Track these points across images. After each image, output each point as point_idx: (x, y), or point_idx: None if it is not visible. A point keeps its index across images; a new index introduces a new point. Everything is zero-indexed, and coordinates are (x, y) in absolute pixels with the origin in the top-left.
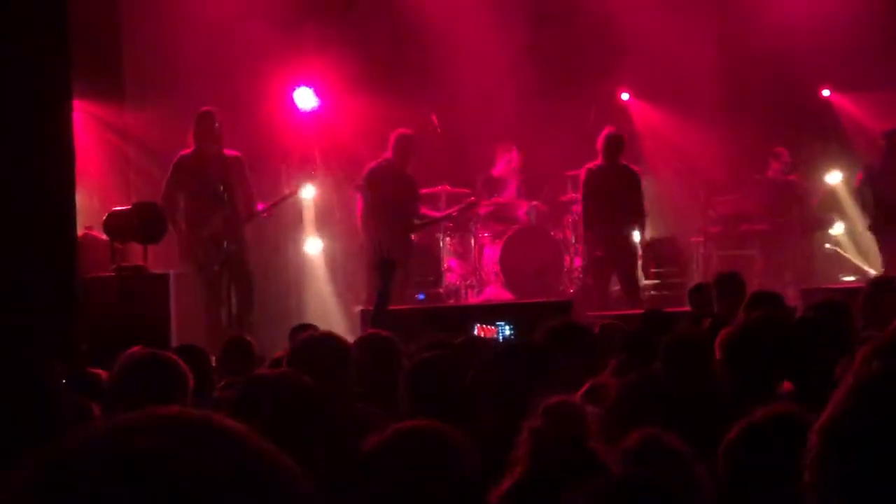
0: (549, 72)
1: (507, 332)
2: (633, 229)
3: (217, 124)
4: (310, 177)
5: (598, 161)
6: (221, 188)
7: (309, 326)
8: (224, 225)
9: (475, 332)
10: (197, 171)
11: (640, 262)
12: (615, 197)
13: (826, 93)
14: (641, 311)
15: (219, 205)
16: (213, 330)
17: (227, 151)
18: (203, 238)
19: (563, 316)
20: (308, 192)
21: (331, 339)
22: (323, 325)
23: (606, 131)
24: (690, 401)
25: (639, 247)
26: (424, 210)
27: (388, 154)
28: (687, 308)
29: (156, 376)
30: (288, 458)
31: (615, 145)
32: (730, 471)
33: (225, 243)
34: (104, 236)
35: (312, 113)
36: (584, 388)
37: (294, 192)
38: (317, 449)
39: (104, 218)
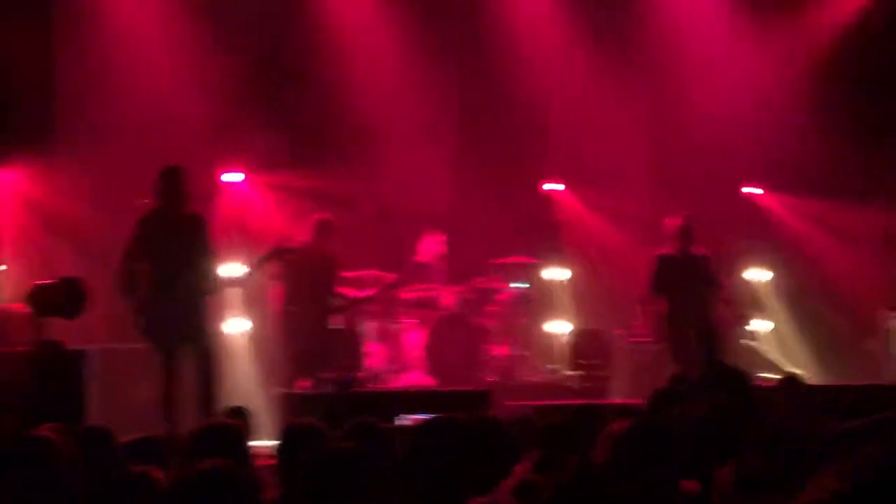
0: (480, 159)
1: None
2: None
3: (184, 182)
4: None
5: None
6: (188, 252)
7: (238, 409)
8: (187, 295)
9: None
10: (163, 232)
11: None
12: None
13: (753, 190)
14: (563, 401)
15: (182, 272)
16: (170, 409)
17: (193, 213)
18: (163, 309)
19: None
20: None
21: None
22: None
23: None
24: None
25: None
26: (345, 291)
27: (307, 237)
28: (611, 401)
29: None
30: None
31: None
32: None
33: (187, 316)
34: (24, 309)
35: (240, 195)
36: (509, 484)
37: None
38: None
39: (27, 291)
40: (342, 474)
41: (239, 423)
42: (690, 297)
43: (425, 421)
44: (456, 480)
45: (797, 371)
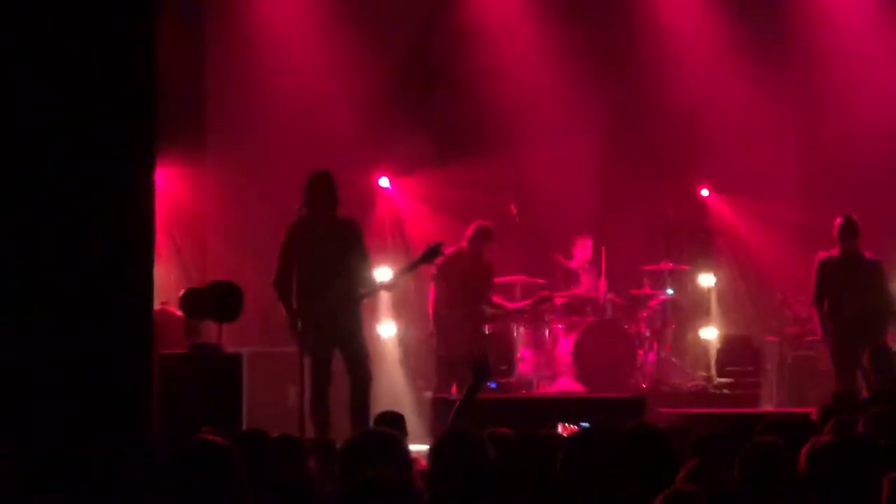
0: (629, 165)
1: None
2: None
3: (333, 187)
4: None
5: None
6: (341, 257)
7: (393, 414)
8: (340, 299)
9: (558, 430)
10: (311, 239)
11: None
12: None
13: None
14: (715, 409)
15: (335, 276)
16: (320, 413)
17: (344, 216)
18: (316, 314)
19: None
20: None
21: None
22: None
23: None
24: None
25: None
26: (498, 299)
27: (464, 243)
28: (764, 409)
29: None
30: None
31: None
32: None
33: (340, 320)
34: (179, 312)
35: (389, 197)
36: (664, 495)
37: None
38: None
39: (181, 294)
40: (496, 484)
41: (396, 430)
42: (853, 300)
43: (587, 429)
44: (617, 490)
45: None
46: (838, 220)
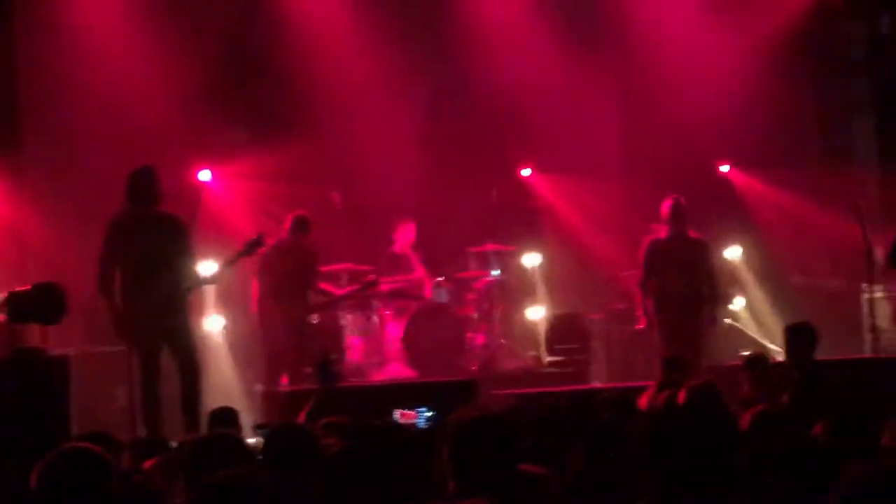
0: (451, 148)
1: (428, 416)
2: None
3: (156, 182)
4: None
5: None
6: (165, 252)
7: (226, 410)
8: (165, 294)
9: (396, 418)
10: (135, 235)
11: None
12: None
13: (725, 168)
14: (545, 388)
15: (160, 271)
16: (151, 411)
17: (168, 212)
18: (142, 310)
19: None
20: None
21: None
22: (224, 405)
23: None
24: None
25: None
26: (325, 286)
27: (283, 235)
28: (591, 385)
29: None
30: None
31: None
32: None
33: (166, 315)
34: (0, 316)
35: (210, 191)
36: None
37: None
38: None
39: (1, 298)
40: (335, 475)
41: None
42: (679, 281)
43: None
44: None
45: (773, 347)
46: (667, 202)
